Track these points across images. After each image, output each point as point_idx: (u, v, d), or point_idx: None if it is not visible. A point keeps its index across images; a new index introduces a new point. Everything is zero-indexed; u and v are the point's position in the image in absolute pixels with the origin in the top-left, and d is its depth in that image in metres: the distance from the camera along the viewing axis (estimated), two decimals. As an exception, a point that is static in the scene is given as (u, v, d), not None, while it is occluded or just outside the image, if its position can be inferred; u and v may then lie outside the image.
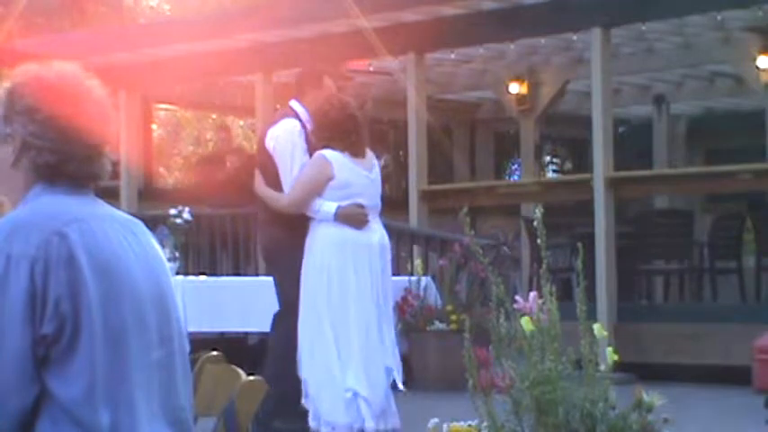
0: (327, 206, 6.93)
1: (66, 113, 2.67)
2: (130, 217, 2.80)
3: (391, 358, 6.94)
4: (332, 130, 6.99)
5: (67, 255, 2.53)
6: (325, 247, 6.94)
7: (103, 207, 2.73)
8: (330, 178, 6.94)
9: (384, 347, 6.89)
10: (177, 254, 10.31)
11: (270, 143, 7.27)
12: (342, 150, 6.96)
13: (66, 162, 2.67)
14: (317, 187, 6.97)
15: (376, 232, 7.01)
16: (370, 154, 7.14)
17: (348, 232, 6.91)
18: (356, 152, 7.00)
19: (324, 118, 7.06)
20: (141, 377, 2.60)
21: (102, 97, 2.75)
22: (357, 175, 6.98)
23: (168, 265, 2.91)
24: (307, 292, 6.94)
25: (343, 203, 6.93)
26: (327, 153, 6.98)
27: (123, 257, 2.63)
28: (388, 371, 6.88)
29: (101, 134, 2.72)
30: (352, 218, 6.93)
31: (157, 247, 2.83)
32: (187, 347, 2.80)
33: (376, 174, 7.11)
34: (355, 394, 6.70)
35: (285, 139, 7.21)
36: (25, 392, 2.51)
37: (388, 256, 7.14)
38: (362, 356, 6.77)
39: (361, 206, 6.96)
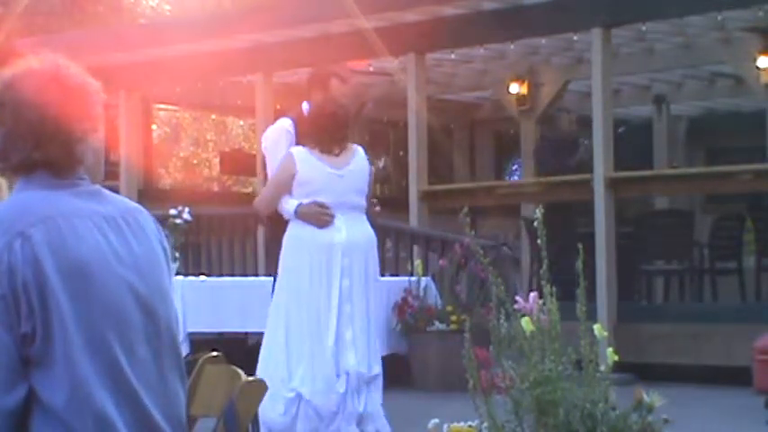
0: (290, 204, 6.86)
1: (35, 105, 2.63)
2: (133, 206, 2.76)
3: (356, 361, 6.70)
4: (310, 126, 6.99)
5: (32, 256, 2.52)
6: (285, 247, 6.90)
7: (85, 200, 2.67)
8: (293, 174, 6.88)
9: (344, 350, 6.70)
10: (177, 254, 10.30)
11: (263, 143, 7.41)
12: (311, 147, 6.89)
13: (41, 154, 2.64)
14: (283, 184, 6.91)
15: (340, 230, 6.82)
16: (348, 153, 6.95)
17: (306, 232, 6.80)
18: (327, 149, 6.87)
19: (308, 115, 7.08)
20: (126, 377, 2.59)
21: (80, 83, 2.70)
22: (320, 173, 6.85)
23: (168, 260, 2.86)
24: (275, 292, 6.95)
25: (305, 201, 6.83)
26: (294, 149, 6.95)
27: (96, 255, 2.60)
28: (348, 375, 6.67)
29: (76, 120, 2.67)
30: (312, 216, 6.80)
31: (157, 240, 2.77)
32: (179, 343, 2.78)
33: (350, 171, 6.91)
34: (298, 395, 6.65)
35: (271, 138, 7.27)
36: (14, 392, 2.51)
37: (361, 254, 6.85)
38: (311, 359, 6.67)
39: (323, 205, 6.84)
